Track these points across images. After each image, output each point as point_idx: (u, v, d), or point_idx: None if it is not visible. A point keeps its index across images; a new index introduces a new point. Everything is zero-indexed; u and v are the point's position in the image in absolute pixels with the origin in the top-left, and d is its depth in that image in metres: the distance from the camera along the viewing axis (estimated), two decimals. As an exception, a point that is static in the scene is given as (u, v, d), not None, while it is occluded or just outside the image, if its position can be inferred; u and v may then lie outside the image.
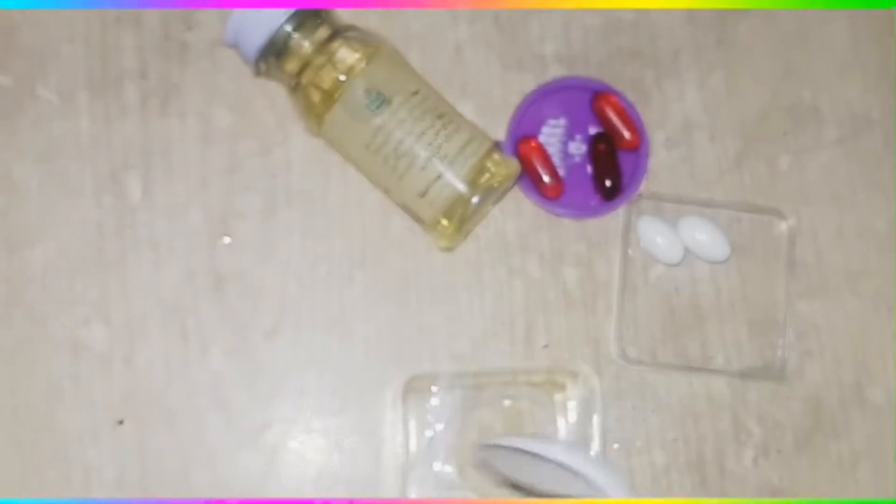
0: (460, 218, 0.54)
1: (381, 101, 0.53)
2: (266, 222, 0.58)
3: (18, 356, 0.56)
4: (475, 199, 0.54)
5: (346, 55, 0.54)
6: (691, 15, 0.61)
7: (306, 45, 0.54)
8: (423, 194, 0.54)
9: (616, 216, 0.59)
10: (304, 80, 0.54)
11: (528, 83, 0.60)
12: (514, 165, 0.56)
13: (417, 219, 0.56)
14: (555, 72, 0.60)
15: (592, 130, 0.59)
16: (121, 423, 0.55)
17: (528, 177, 0.58)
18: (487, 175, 0.54)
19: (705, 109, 0.60)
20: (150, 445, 0.55)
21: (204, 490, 0.55)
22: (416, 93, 0.54)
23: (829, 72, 0.61)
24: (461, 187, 0.54)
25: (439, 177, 0.53)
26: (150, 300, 0.56)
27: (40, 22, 0.58)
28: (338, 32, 0.55)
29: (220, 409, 0.56)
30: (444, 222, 0.54)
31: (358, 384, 0.57)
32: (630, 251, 0.59)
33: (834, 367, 0.59)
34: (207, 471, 0.55)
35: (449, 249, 0.58)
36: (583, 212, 0.59)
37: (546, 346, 0.58)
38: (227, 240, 0.57)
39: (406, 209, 0.56)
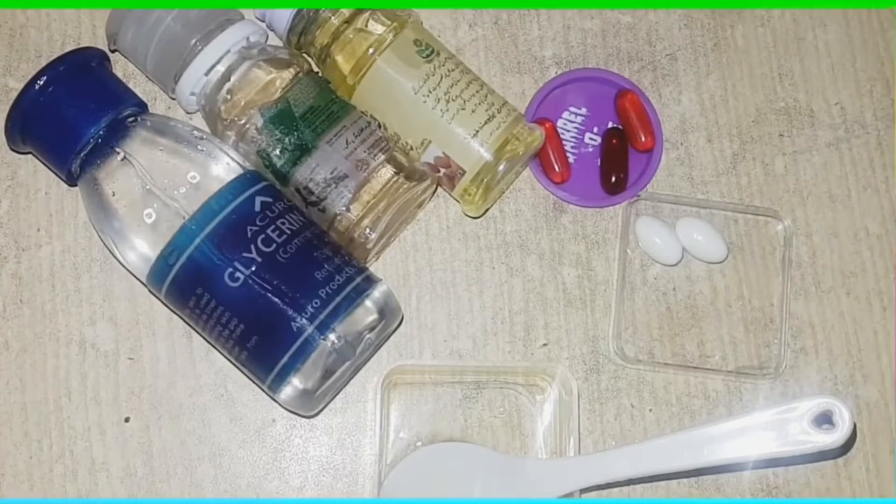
0: (487, 185, 0.55)
1: (430, 50, 0.55)
2: (270, 223, 0.58)
3: (26, 354, 0.56)
4: (501, 167, 0.55)
5: (375, 27, 0.55)
6: (688, 18, 0.62)
7: (334, 19, 0.55)
8: (474, 134, 0.55)
9: (615, 216, 0.59)
10: (334, 50, 0.55)
11: (527, 85, 0.60)
12: (539, 134, 0.57)
13: (452, 176, 0.56)
14: (554, 74, 0.60)
15: (611, 125, 0.60)
16: (127, 420, 0.56)
17: (538, 157, 0.59)
18: (515, 141, 0.55)
19: (702, 111, 0.61)
20: (155, 442, 0.56)
21: (209, 486, 0.56)
22: (452, 56, 0.56)
23: (823, 74, 0.62)
24: (508, 128, 0.55)
25: (491, 118, 0.55)
26: (156, 299, 0.56)
27: (47, 24, 0.59)
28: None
29: (225, 406, 0.56)
30: (473, 189, 0.55)
31: (360, 381, 0.57)
32: (628, 251, 0.59)
33: (829, 366, 0.59)
34: (212, 467, 0.56)
35: (476, 217, 0.58)
36: (585, 201, 0.59)
37: (545, 345, 0.58)
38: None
39: (443, 159, 0.55)
